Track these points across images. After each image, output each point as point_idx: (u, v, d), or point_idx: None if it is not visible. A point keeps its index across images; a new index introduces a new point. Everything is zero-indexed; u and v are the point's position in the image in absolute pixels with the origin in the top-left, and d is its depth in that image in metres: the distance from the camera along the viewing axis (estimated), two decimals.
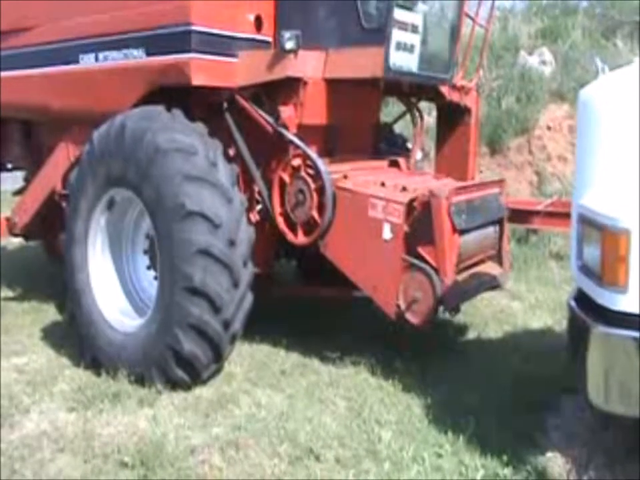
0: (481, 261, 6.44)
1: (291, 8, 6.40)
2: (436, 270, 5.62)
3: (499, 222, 6.60)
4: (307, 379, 5.89)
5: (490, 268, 6.50)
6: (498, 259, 6.64)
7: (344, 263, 6.01)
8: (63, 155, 7.34)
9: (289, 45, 5.98)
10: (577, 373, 3.91)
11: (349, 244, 5.95)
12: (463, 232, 5.84)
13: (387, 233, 5.73)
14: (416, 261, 5.68)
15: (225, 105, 6.34)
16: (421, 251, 5.72)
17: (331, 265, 6.13)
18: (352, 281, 6.03)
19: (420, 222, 5.72)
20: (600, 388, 3.73)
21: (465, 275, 6.06)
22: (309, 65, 6.26)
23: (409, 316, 5.71)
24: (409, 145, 8.05)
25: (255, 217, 6.47)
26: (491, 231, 6.49)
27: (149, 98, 6.23)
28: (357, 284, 5.99)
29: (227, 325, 5.52)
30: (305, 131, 6.29)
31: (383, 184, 6.09)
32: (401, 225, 5.69)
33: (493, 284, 6.44)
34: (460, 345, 6.79)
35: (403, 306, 5.70)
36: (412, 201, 5.77)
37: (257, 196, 6.49)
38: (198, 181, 5.51)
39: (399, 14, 6.15)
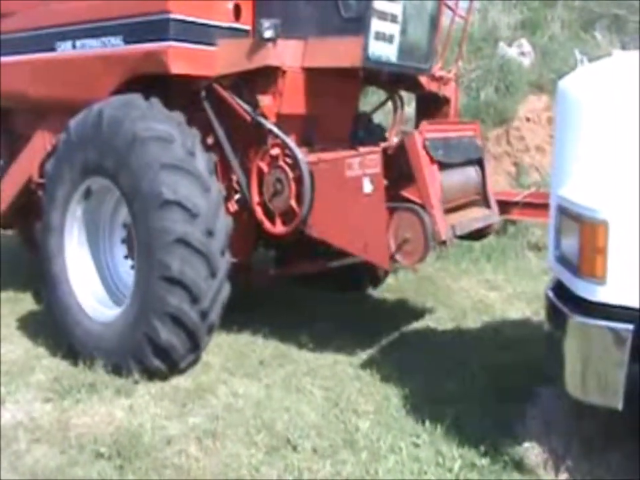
0: (467, 205, 6.45)
1: None
2: (422, 206, 5.60)
3: (479, 163, 6.65)
4: (285, 369, 5.89)
5: (477, 212, 6.53)
6: (484, 201, 6.67)
7: (330, 233, 5.95)
8: (39, 144, 7.29)
9: (268, 33, 5.95)
10: (554, 363, 3.92)
11: (333, 213, 5.90)
12: (442, 166, 5.84)
13: (367, 187, 5.67)
14: (401, 204, 5.67)
15: (204, 93, 6.30)
16: (405, 193, 5.72)
17: (310, 251, 6.14)
18: (339, 251, 6.04)
19: (398, 165, 5.73)
20: (577, 378, 3.75)
21: (452, 215, 6.03)
22: (288, 54, 6.22)
23: (400, 258, 5.69)
24: (387, 135, 8.04)
25: (233, 206, 6.43)
26: (472, 172, 6.55)
27: (127, 86, 6.19)
28: (348, 250, 5.94)
29: (204, 314, 5.50)
30: (283, 120, 6.27)
31: (356, 149, 6.10)
32: (379, 174, 5.64)
33: (483, 223, 6.45)
34: (438, 335, 6.79)
35: (393, 249, 5.65)
36: (386, 149, 5.80)
37: (235, 185, 6.45)
38: (175, 170, 5.48)
39: (378, 3, 6.12)
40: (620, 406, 3.65)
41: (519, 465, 4.25)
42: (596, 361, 3.70)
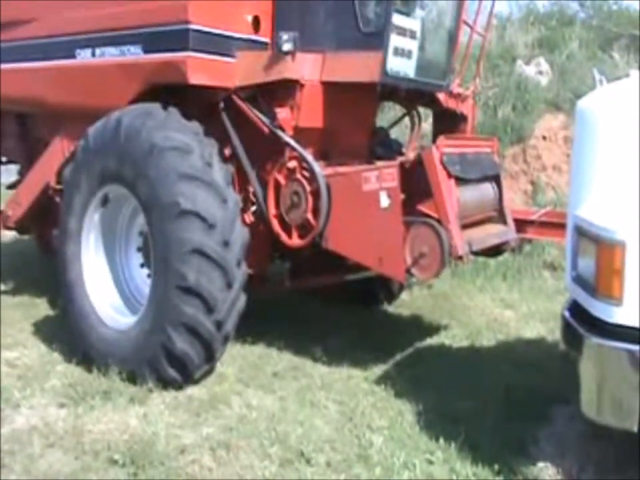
0: (483, 221, 6.45)
1: (289, 9, 6.37)
2: (439, 221, 5.59)
3: (496, 180, 6.65)
4: (299, 382, 5.89)
5: (493, 228, 6.52)
6: (501, 218, 6.66)
7: (346, 247, 5.96)
8: (57, 150, 7.31)
9: (287, 46, 6.00)
10: (570, 384, 3.92)
11: (350, 226, 5.90)
12: (459, 181, 5.84)
13: (384, 201, 5.67)
14: (418, 218, 5.67)
15: (222, 104, 6.32)
16: (421, 207, 5.72)
17: (325, 264, 6.14)
18: (355, 264, 6.08)
19: (415, 179, 5.73)
20: (593, 399, 3.75)
21: (469, 230, 6.01)
22: (306, 68, 6.26)
23: (416, 272, 5.67)
24: (404, 150, 8.05)
25: (249, 217, 6.45)
26: (489, 188, 6.54)
27: (145, 95, 6.22)
28: (364, 263, 5.95)
29: (219, 325, 5.51)
30: (301, 134, 6.30)
31: (373, 164, 6.12)
32: (396, 188, 5.64)
33: (500, 239, 6.43)
34: (453, 352, 6.78)
35: (409, 263, 5.64)
36: (403, 163, 5.82)
37: (251, 197, 6.47)
38: (193, 180, 5.50)
39: (397, 19, 6.16)
40: (635, 428, 3.64)
41: None
42: (611, 382, 3.69)
